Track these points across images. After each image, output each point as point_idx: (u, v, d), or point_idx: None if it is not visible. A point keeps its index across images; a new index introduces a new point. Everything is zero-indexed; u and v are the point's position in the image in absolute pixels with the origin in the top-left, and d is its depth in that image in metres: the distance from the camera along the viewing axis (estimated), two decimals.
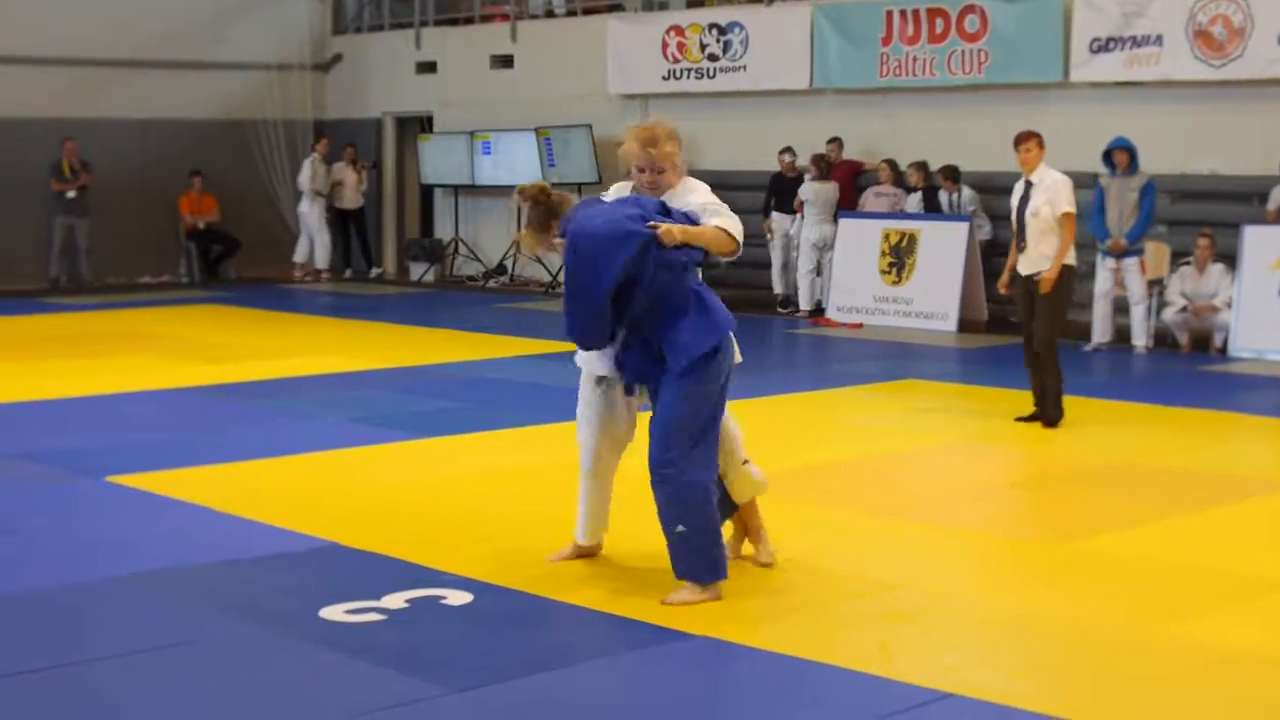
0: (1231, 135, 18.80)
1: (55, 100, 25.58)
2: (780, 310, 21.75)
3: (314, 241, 27.06)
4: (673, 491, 7.61)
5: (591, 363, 8.00)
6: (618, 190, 8.01)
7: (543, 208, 7.91)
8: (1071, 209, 12.74)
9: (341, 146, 27.43)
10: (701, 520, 7.62)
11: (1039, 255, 12.70)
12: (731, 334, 7.73)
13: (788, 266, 21.93)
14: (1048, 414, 12.79)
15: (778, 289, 22.08)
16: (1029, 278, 12.79)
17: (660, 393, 7.66)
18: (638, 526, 8.18)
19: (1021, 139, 12.96)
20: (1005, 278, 13.16)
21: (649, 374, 7.68)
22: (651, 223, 7.53)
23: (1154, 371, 16.64)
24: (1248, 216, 18.15)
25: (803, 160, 21.55)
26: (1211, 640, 7.26)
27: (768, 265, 22.10)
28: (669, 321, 7.55)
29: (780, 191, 21.88)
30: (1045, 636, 7.32)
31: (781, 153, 21.81)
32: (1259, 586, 8.25)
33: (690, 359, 7.51)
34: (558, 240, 7.75)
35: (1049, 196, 12.68)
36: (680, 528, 7.63)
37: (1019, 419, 12.93)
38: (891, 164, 21.11)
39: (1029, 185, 12.83)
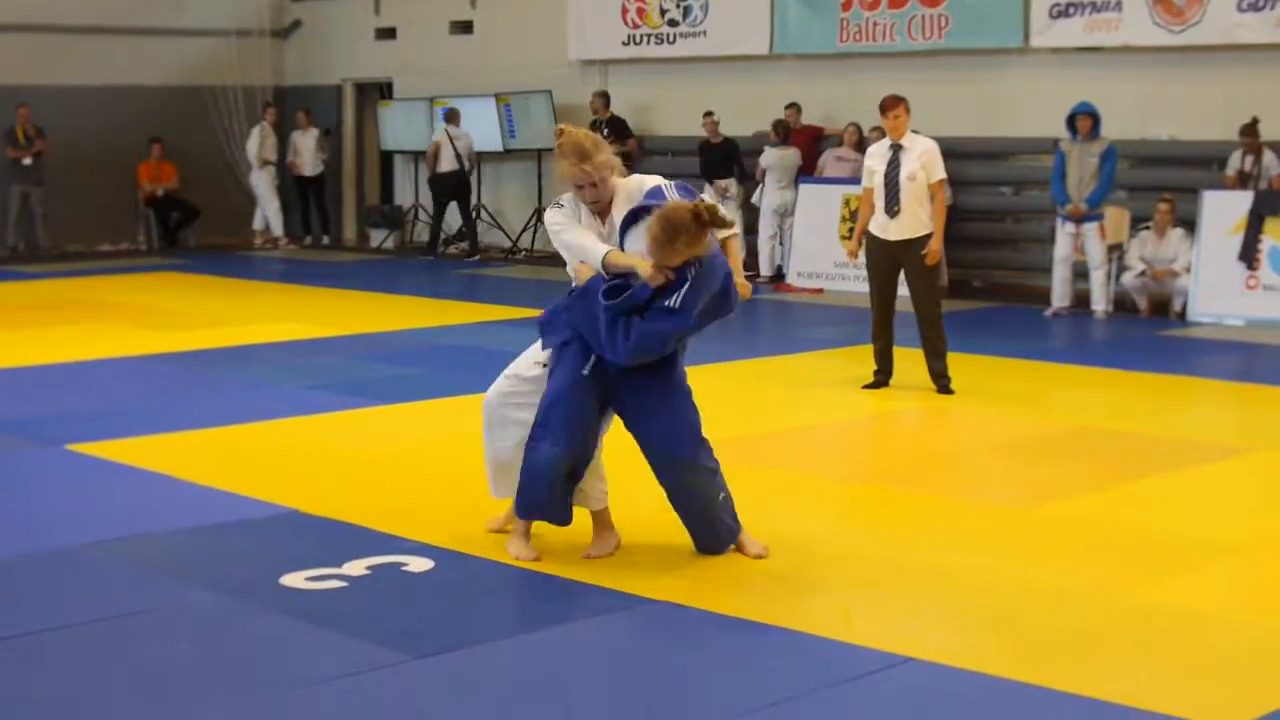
0: (1191, 100, 18.85)
1: (12, 67, 25.37)
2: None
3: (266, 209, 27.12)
4: (707, 476, 7.86)
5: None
6: (570, 204, 7.78)
7: (705, 227, 7.40)
8: (945, 175, 12.80)
9: (296, 113, 27.34)
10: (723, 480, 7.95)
11: (913, 221, 12.59)
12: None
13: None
14: (889, 377, 12.92)
15: None
16: (898, 243, 12.67)
17: (664, 397, 7.75)
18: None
19: (891, 105, 12.70)
20: (856, 245, 13.11)
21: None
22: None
23: (1113, 336, 16.68)
24: (1207, 181, 18.23)
25: (764, 126, 21.57)
26: (1172, 604, 7.29)
27: None
28: None
29: (707, 158, 21.88)
30: (1007, 601, 7.34)
31: (705, 116, 21.83)
32: (1216, 550, 8.29)
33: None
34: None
35: (924, 162, 12.60)
36: (721, 495, 7.89)
37: (866, 386, 12.88)
38: (857, 128, 21.09)
39: (897, 149, 12.66)
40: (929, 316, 12.74)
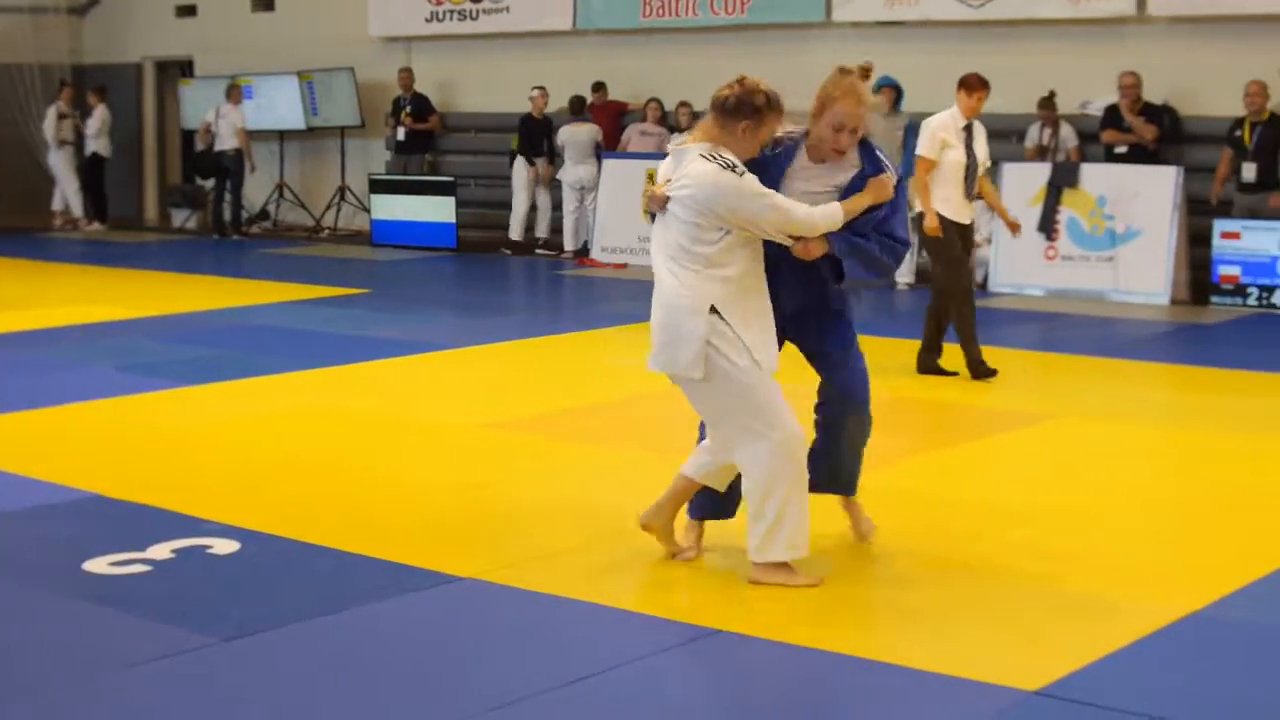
0: (990, 75, 18.85)
1: None
2: (539, 252, 21.75)
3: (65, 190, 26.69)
4: (867, 420, 7.80)
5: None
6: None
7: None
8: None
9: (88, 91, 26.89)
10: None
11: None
12: None
13: (535, 210, 22.00)
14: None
15: (514, 234, 22.02)
16: (967, 227, 12.46)
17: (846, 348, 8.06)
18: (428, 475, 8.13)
19: (979, 86, 12.58)
20: (936, 220, 12.35)
21: None
22: None
23: (917, 307, 16.84)
24: (1007, 154, 18.47)
25: (566, 103, 21.59)
26: (974, 568, 7.40)
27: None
28: None
29: (531, 133, 21.90)
30: (811, 568, 7.39)
31: (535, 90, 21.82)
32: (1017, 516, 8.42)
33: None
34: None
35: (981, 141, 12.53)
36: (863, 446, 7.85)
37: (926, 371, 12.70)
38: (659, 103, 21.16)
39: (969, 129, 12.48)
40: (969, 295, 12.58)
